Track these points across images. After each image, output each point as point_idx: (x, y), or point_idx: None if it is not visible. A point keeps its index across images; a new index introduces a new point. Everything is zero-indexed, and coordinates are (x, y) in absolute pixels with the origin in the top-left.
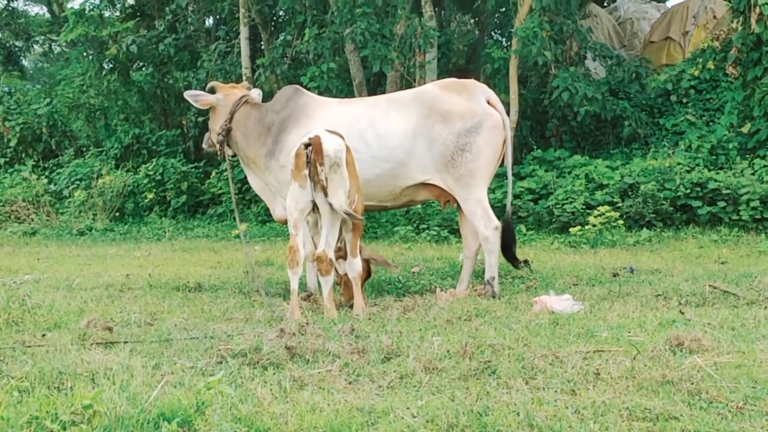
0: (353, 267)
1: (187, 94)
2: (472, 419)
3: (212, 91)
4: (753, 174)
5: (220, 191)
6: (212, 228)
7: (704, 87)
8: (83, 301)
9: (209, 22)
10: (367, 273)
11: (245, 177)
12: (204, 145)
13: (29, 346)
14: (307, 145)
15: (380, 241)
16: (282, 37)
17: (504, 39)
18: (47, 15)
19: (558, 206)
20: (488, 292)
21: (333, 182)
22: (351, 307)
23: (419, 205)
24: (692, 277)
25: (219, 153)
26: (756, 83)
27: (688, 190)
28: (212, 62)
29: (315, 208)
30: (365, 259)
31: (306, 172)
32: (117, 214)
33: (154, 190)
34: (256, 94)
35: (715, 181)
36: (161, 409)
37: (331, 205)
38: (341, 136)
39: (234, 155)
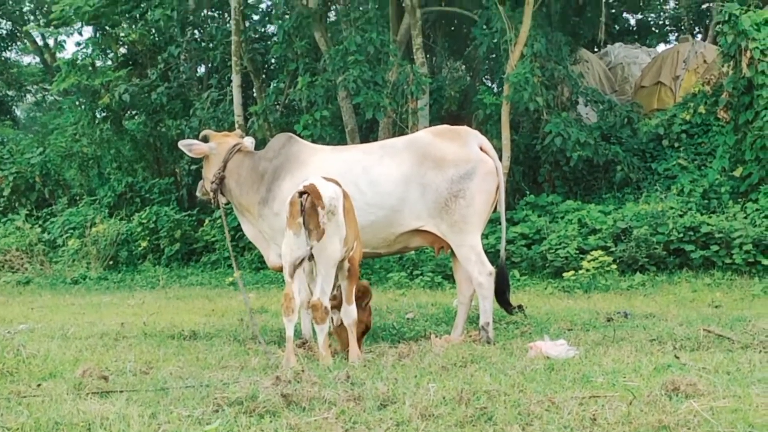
0: (349, 314)
1: (181, 144)
2: None
3: (205, 139)
4: (745, 218)
5: (213, 239)
6: (206, 276)
7: (696, 131)
8: (78, 350)
9: (201, 70)
10: (366, 326)
11: (239, 224)
12: (198, 193)
13: (24, 397)
14: (301, 194)
15: (374, 288)
16: (274, 85)
17: (495, 85)
18: (39, 64)
19: (551, 251)
20: (483, 338)
21: (328, 229)
22: (347, 354)
23: (413, 251)
24: (686, 321)
25: (213, 201)
26: (747, 127)
27: (681, 234)
28: (205, 110)
29: (310, 256)
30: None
31: (300, 220)
32: (111, 262)
33: (148, 239)
34: (249, 142)
35: (708, 225)
36: None
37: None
38: (338, 184)
39: (227, 203)
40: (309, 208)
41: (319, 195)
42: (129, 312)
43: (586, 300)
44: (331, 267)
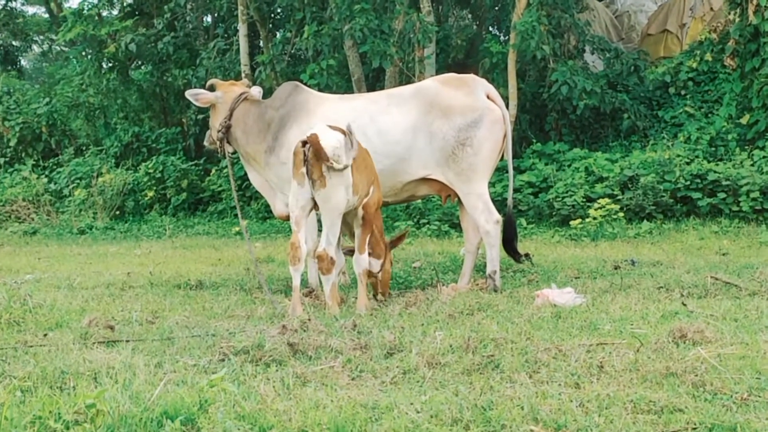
0: (359, 263)
1: (188, 93)
2: (476, 414)
3: (212, 88)
4: (752, 165)
5: (220, 188)
6: (212, 225)
7: (702, 79)
8: (84, 300)
9: (208, 19)
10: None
11: (245, 174)
12: (205, 143)
13: (31, 346)
14: (304, 143)
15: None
16: (281, 34)
17: (502, 33)
18: (45, 15)
19: (558, 199)
20: (490, 286)
21: (332, 179)
22: (375, 297)
23: (420, 200)
24: (694, 268)
25: (219, 150)
26: (754, 74)
27: (688, 182)
28: (211, 60)
29: (315, 205)
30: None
31: (303, 170)
32: (117, 212)
33: (154, 188)
34: (256, 91)
35: (715, 172)
36: (164, 407)
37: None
38: (344, 132)
39: (234, 152)
40: (312, 158)
41: (320, 146)
42: (135, 262)
43: (593, 248)
44: (336, 217)
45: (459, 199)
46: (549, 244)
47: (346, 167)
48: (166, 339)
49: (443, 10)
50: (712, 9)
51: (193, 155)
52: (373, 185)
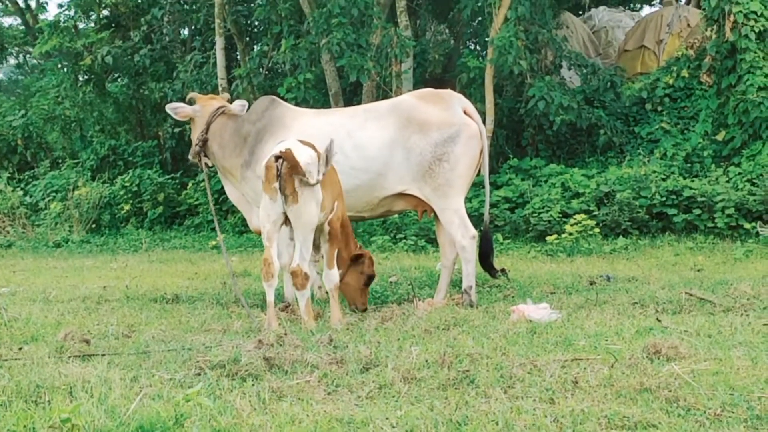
0: (330, 279)
1: (168, 107)
2: (451, 429)
3: (192, 102)
4: (728, 182)
5: (196, 202)
6: (189, 239)
7: (679, 95)
8: (60, 313)
9: (185, 32)
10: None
11: (222, 187)
12: (189, 156)
13: (6, 360)
14: (277, 158)
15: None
16: (258, 48)
17: (479, 48)
18: (21, 26)
19: (534, 215)
20: (466, 302)
21: (304, 195)
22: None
23: (396, 215)
24: (668, 284)
25: (198, 163)
26: (730, 91)
27: (664, 198)
28: (188, 73)
29: (287, 220)
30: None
31: (276, 184)
32: (93, 225)
33: (131, 202)
34: (239, 105)
35: (691, 188)
36: (140, 421)
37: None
38: (314, 147)
39: (212, 166)
40: (285, 173)
41: (296, 162)
42: (111, 275)
43: (569, 263)
44: (308, 232)
45: (435, 214)
46: (525, 260)
47: (318, 182)
48: (142, 353)
49: (420, 24)
50: (689, 25)
51: (170, 168)
52: (336, 201)
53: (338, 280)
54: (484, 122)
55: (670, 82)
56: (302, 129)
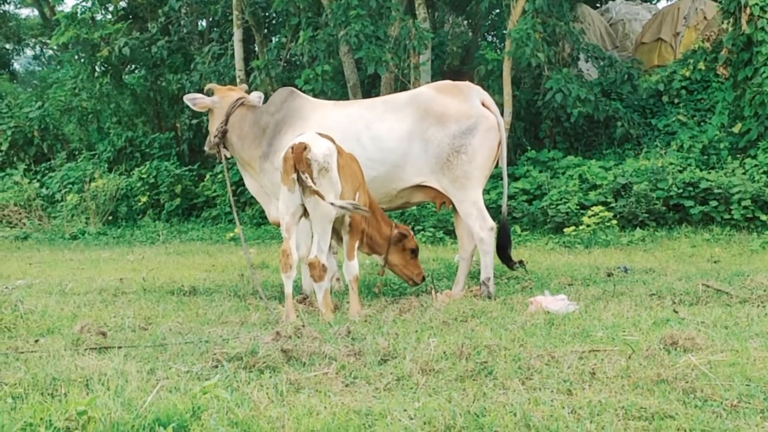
0: (350, 270)
1: (186, 98)
2: (469, 420)
3: (210, 93)
4: (744, 173)
5: (214, 194)
6: (206, 231)
7: (695, 87)
8: (76, 306)
9: (202, 24)
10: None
11: (241, 179)
12: (206, 147)
13: (22, 352)
14: (294, 149)
15: None
16: (276, 40)
17: (497, 41)
18: (38, 17)
19: (552, 207)
20: (484, 293)
21: (322, 186)
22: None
23: (414, 207)
24: (685, 276)
25: (217, 155)
26: (746, 83)
27: (681, 190)
28: (205, 65)
29: (306, 212)
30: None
31: (294, 176)
32: (110, 217)
33: (148, 194)
34: (256, 96)
35: (707, 180)
36: (156, 414)
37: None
38: (332, 140)
39: (231, 157)
40: (296, 167)
41: (300, 158)
42: (128, 267)
43: (587, 255)
44: (326, 224)
45: (453, 206)
46: (543, 251)
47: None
48: (159, 345)
49: (439, 16)
50: (705, 18)
51: (187, 160)
52: (358, 191)
53: (357, 271)
54: (502, 114)
55: (687, 74)
56: (321, 121)
